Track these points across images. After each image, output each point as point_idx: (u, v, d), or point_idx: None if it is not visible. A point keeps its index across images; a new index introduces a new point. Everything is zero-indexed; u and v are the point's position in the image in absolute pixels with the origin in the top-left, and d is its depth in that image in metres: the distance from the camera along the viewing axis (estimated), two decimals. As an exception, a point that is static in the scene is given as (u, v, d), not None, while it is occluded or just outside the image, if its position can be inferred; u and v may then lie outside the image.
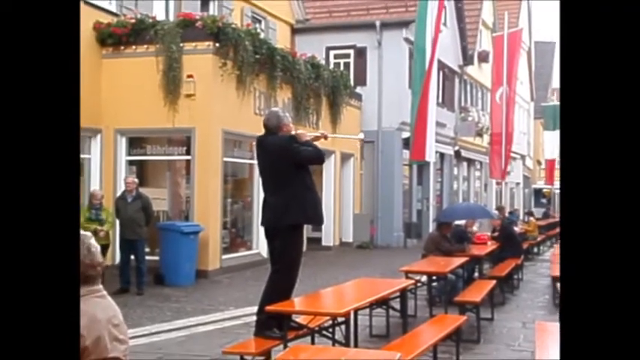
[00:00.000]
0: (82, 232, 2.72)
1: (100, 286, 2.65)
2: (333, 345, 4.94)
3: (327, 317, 5.27)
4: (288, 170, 5.33)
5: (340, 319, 5.04)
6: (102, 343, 2.46)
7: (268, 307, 4.89)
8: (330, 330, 5.25)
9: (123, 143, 12.67)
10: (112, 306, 2.64)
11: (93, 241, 2.68)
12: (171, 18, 13.54)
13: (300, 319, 5.27)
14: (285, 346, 4.70)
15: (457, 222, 11.13)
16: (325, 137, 5.86)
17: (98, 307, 2.54)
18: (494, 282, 8.71)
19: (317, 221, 5.70)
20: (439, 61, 18.26)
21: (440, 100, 21.28)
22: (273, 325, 5.11)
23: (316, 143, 5.60)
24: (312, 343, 5.22)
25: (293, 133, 5.54)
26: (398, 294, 6.70)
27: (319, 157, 5.50)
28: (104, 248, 10.01)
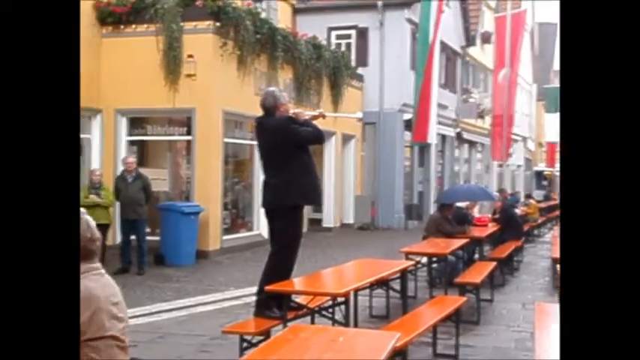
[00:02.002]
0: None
1: (99, 264, 2.64)
2: (333, 325, 4.95)
3: (327, 297, 5.27)
4: (287, 151, 5.31)
5: (340, 300, 5.04)
6: (99, 321, 2.44)
7: (268, 287, 4.89)
8: (330, 310, 5.25)
9: (123, 123, 12.63)
10: (110, 284, 2.63)
11: (89, 216, 2.66)
12: (172, -3, 13.41)
13: (299, 299, 5.27)
14: (285, 326, 4.71)
15: (458, 204, 11.10)
16: (323, 116, 5.82)
17: (96, 285, 2.53)
18: (494, 264, 8.72)
19: (316, 202, 5.69)
20: (441, 42, 18.16)
21: (442, 81, 21.18)
22: (273, 305, 5.11)
23: (317, 124, 5.57)
24: (312, 323, 5.22)
25: (291, 112, 5.50)
26: (398, 275, 6.69)
27: (319, 136, 5.48)
28: (105, 227, 10.03)
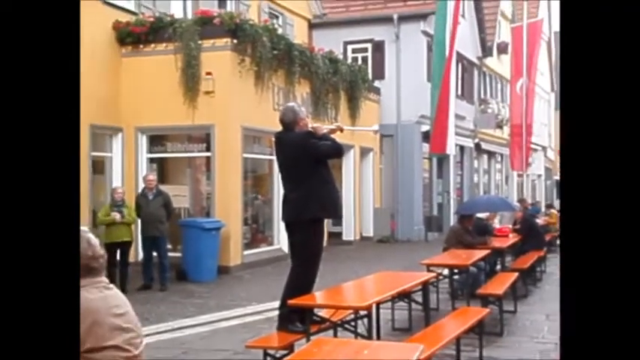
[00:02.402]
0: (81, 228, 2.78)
1: (104, 278, 2.70)
2: (356, 338, 4.95)
3: (350, 311, 5.27)
4: (306, 165, 5.35)
5: (362, 313, 5.05)
6: (98, 332, 2.48)
7: (291, 301, 4.91)
8: (353, 324, 5.26)
9: (143, 141, 12.78)
10: (115, 296, 2.68)
11: (91, 235, 2.73)
12: (189, 15, 13.61)
13: (322, 313, 5.28)
14: (308, 340, 4.72)
15: (478, 215, 11.06)
16: (341, 130, 5.86)
17: (95, 297, 2.58)
18: (516, 274, 8.66)
19: (336, 215, 5.71)
20: (458, 53, 18.16)
21: (459, 92, 21.15)
22: (296, 319, 5.13)
23: (335, 137, 5.61)
24: (335, 336, 5.22)
25: (310, 127, 5.55)
26: (420, 287, 6.68)
27: (338, 150, 5.51)
28: (127, 245, 10.13)
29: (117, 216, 9.87)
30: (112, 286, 2.70)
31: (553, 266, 13.28)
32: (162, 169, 13.35)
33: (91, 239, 2.68)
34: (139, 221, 10.74)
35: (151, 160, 12.98)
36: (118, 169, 12.56)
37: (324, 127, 5.61)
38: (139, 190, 11.15)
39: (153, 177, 10.84)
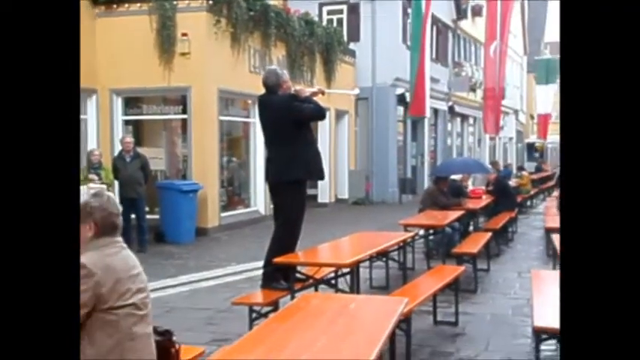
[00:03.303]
0: (97, 185, 2.84)
1: (120, 238, 2.77)
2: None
3: (331, 269, 5.43)
4: (290, 128, 5.43)
5: (344, 270, 5.21)
6: (120, 290, 2.57)
7: (277, 259, 5.05)
8: (334, 281, 5.42)
9: (119, 103, 12.67)
10: (131, 256, 2.77)
11: (110, 192, 2.80)
12: (164, -25, 13.37)
13: (304, 271, 5.43)
14: (292, 297, 4.87)
15: (453, 176, 11.27)
16: (322, 92, 5.93)
17: (117, 257, 2.67)
18: (489, 234, 8.91)
19: (319, 177, 5.82)
20: (433, 16, 18.20)
21: (433, 55, 21.22)
22: (280, 277, 5.28)
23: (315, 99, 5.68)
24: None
25: (292, 90, 5.62)
26: (397, 247, 6.87)
27: (321, 112, 5.61)
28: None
29: (95, 178, 9.84)
30: (125, 245, 2.77)
31: (524, 227, 13.64)
32: (138, 131, 13.26)
33: (110, 197, 2.75)
34: (117, 183, 10.73)
35: (127, 123, 12.88)
36: (93, 132, 12.46)
37: (306, 90, 5.68)
38: (115, 153, 11.10)
39: (130, 139, 10.78)
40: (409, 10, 18.51)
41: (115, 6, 12.20)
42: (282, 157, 5.43)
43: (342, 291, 5.17)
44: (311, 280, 5.27)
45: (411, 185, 20.76)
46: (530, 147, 39.17)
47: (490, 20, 21.68)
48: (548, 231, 9.23)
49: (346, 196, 18.76)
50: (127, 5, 12.18)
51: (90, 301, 2.49)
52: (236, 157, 14.31)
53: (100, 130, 12.46)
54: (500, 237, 10.52)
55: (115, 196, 10.27)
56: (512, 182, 15.87)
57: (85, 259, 2.53)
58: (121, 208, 2.83)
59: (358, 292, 6.04)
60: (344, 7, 19.69)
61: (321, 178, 5.78)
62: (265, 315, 4.89)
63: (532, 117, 42.27)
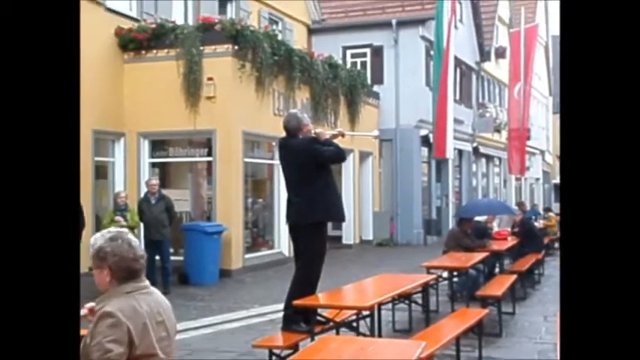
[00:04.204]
0: (119, 229, 2.83)
1: (146, 282, 2.74)
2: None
3: (352, 311, 5.40)
4: (311, 170, 5.49)
5: (365, 313, 5.17)
6: (147, 339, 2.54)
7: (296, 302, 5.04)
8: (355, 324, 5.39)
9: (145, 146, 12.90)
10: (157, 301, 2.71)
11: (132, 236, 2.77)
12: (190, 22, 13.76)
13: (325, 314, 5.41)
14: (312, 339, 4.85)
15: (478, 218, 11.19)
16: (342, 135, 6.02)
17: (145, 304, 2.62)
18: (515, 277, 8.79)
19: (339, 218, 5.84)
20: (456, 58, 18.33)
21: (457, 96, 21.32)
22: (300, 319, 5.27)
23: (335, 141, 5.75)
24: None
25: (313, 132, 5.69)
26: (420, 289, 6.82)
27: (341, 155, 5.66)
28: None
29: (121, 220, 9.98)
30: (153, 289, 2.74)
31: (551, 269, 13.41)
32: (164, 173, 13.47)
33: (131, 241, 2.71)
34: (142, 225, 10.86)
35: (153, 165, 13.10)
36: (120, 174, 12.69)
37: (326, 133, 5.76)
38: (142, 195, 11.26)
39: (155, 181, 10.96)
40: (432, 53, 18.67)
41: (143, 52, 12.54)
42: (303, 199, 5.47)
43: (363, 334, 5.13)
44: (331, 323, 5.24)
45: (436, 226, 20.63)
46: (558, 188, 38.73)
47: (514, 62, 21.77)
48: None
49: (371, 237, 18.69)
50: (154, 51, 12.51)
51: (126, 349, 2.46)
52: (261, 198, 14.41)
53: (127, 172, 12.68)
54: (526, 279, 10.37)
55: (136, 239, 10.50)
56: (539, 224, 15.70)
57: (111, 307, 2.52)
58: (141, 251, 2.79)
59: (380, 335, 6.00)
60: (368, 51, 19.95)
61: (342, 220, 5.80)
62: (285, 358, 4.87)
63: (559, 158, 41.92)
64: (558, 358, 4.07)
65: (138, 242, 2.78)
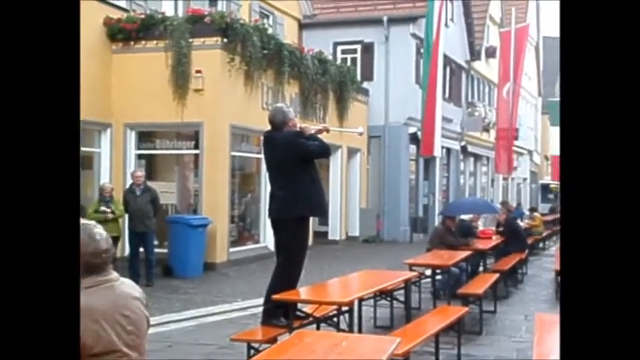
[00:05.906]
0: (83, 220, 2.58)
1: (112, 275, 2.57)
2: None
3: (333, 307, 5.41)
4: (295, 164, 5.49)
5: (345, 309, 5.19)
6: (104, 337, 2.41)
7: (275, 296, 5.05)
8: (335, 319, 5.40)
9: (132, 137, 12.85)
10: (122, 295, 2.56)
11: (97, 229, 2.58)
12: (180, 14, 13.69)
13: (305, 309, 5.42)
14: (291, 334, 4.85)
15: (463, 216, 11.24)
16: (327, 130, 6.03)
17: (104, 300, 2.48)
18: (497, 275, 8.84)
19: (322, 214, 5.86)
20: (446, 57, 18.41)
21: (447, 95, 21.37)
22: (280, 314, 5.27)
23: (322, 137, 5.75)
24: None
25: (298, 127, 5.70)
26: (402, 285, 6.84)
27: (325, 150, 5.66)
28: (115, 240, 10.20)
29: (107, 210, 9.94)
30: (121, 280, 2.58)
31: (535, 268, 13.51)
32: (151, 165, 13.43)
33: (94, 234, 2.53)
34: (126, 217, 10.82)
35: (140, 157, 13.05)
36: (106, 165, 12.63)
37: (311, 128, 5.76)
38: (127, 186, 11.22)
39: (141, 173, 10.92)
40: (422, 51, 18.71)
41: (131, 43, 12.47)
42: (286, 193, 5.47)
43: (343, 330, 5.14)
44: (311, 318, 5.25)
45: (423, 224, 20.71)
46: (545, 188, 39.00)
47: (503, 62, 21.86)
48: (558, 273, 9.14)
49: (357, 234, 18.72)
50: (143, 42, 12.45)
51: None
52: (248, 192, 14.40)
53: (113, 163, 12.63)
54: (509, 278, 10.43)
55: (119, 230, 10.37)
56: (524, 223, 15.78)
57: None
58: (107, 245, 2.58)
59: (360, 331, 6.02)
60: (358, 47, 19.95)
61: (324, 215, 5.82)
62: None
63: (547, 158, 42.19)
64: (534, 355, 4.09)
65: (104, 235, 2.58)
